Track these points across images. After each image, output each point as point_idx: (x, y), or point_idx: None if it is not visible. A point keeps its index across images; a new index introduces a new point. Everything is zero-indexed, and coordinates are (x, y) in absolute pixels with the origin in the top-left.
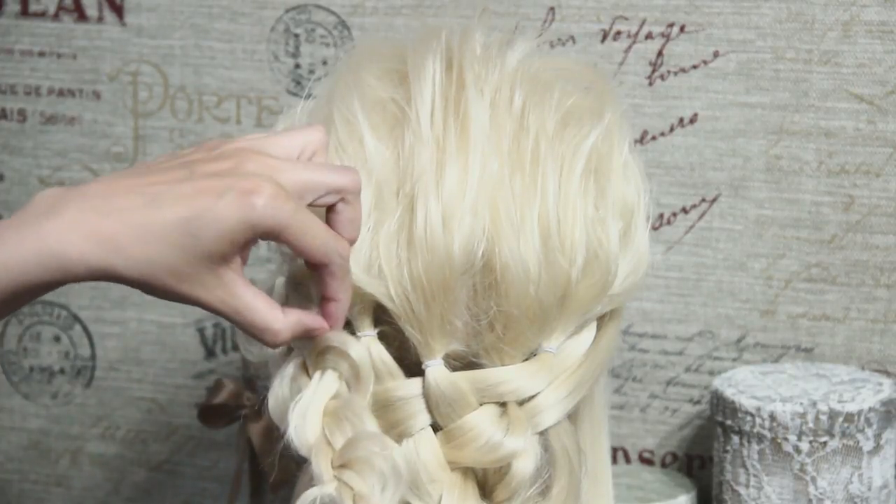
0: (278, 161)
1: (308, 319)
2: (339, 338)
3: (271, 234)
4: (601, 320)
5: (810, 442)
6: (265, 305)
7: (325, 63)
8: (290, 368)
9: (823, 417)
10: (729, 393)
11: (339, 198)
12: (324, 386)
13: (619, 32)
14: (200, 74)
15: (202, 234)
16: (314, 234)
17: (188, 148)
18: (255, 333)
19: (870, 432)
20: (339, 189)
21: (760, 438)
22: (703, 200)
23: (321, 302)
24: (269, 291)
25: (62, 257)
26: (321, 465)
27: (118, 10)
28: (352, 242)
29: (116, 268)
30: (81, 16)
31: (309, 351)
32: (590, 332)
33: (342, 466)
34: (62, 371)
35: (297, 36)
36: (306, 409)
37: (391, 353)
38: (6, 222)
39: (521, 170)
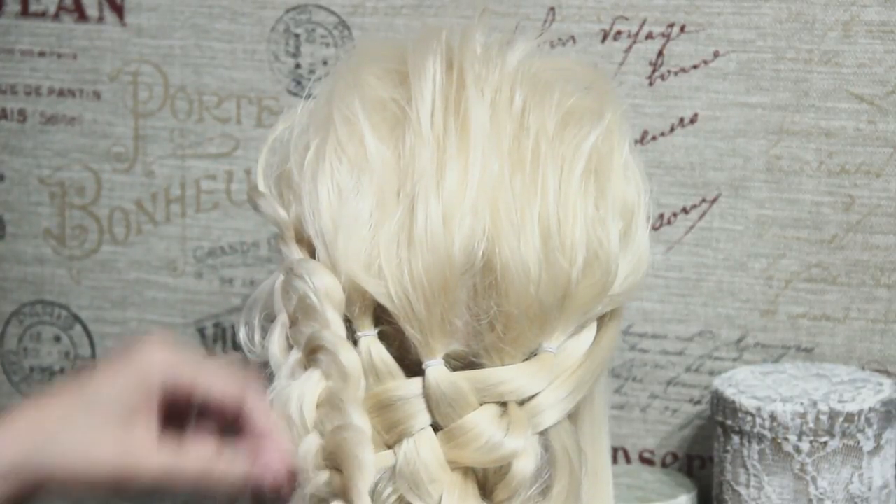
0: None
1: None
2: (331, 339)
3: (169, 380)
4: (601, 320)
5: (810, 442)
6: (213, 454)
7: (325, 63)
8: (289, 365)
9: (824, 417)
10: (729, 393)
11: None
12: (312, 383)
13: (619, 32)
14: (201, 74)
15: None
16: (213, 373)
17: None
18: (255, 485)
19: (870, 432)
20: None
21: (761, 438)
22: (704, 200)
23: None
24: (269, 290)
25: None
26: (310, 455)
27: (118, 10)
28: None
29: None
30: (82, 16)
31: (303, 348)
32: (590, 332)
33: (330, 454)
34: (62, 371)
35: (297, 36)
36: (301, 402)
37: (391, 353)
38: None
39: (521, 170)
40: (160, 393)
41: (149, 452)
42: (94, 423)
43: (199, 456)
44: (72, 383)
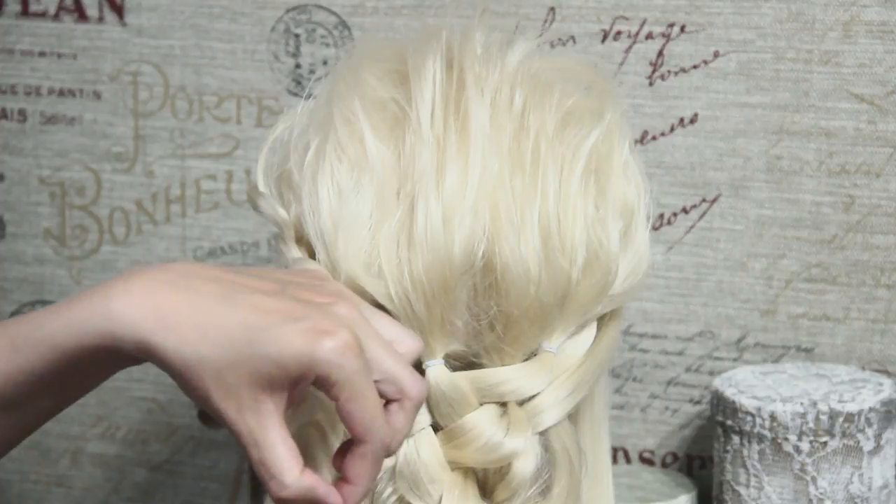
0: (369, 324)
1: (322, 491)
2: None
3: (325, 382)
4: (601, 320)
5: (810, 442)
6: (287, 454)
7: (325, 63)
8: None
9: (824, 417)
10: (729, 393)
11: (398, 396)
12: None
13: (619, 32)
14: (201, 74)
15: (260, 349)
16: (366, 406)
17: (297, 274)
18: (262, 475)
19: (870, 432)
20: (404, 390)
21: (761, 438)
22: (704, 200)
23: (340, 479)
24: None
25: (116, 321)
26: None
27: (118, 10)
28: (390, 452)
29: (163, 348)
30: (82, 16)
31: None
32: (590, 332)
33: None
34: None
35: (297, 36)
36: None
37: None
38: (93, 286)
39: (521, 170)
40: (307, 385)
41: (269, 434)
42: (242, 366)
43: (297, 474)
44: (255, 305)
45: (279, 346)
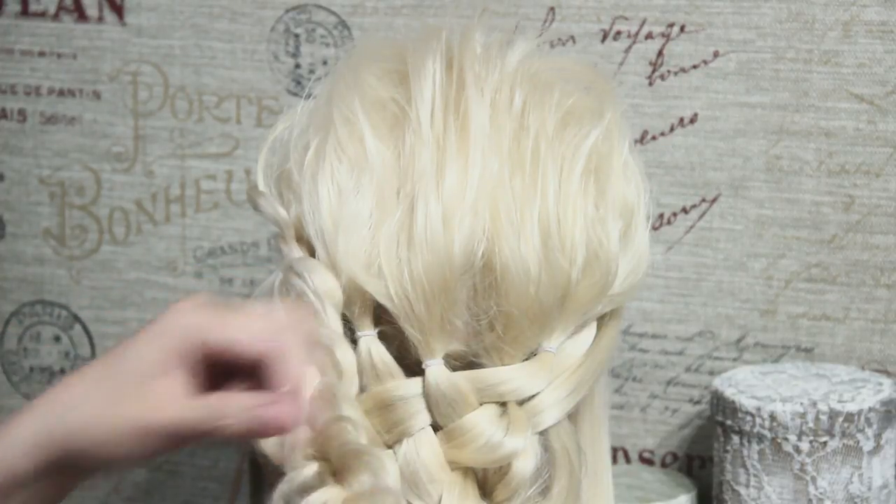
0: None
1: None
2: (327, 336)
3: (195, 341)
4: (601, 320)
5: (810, 442)
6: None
7: (325, 63)
8: None
9: (823, 417)
10: (729, 393)
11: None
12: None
13: (619, 32)
14: (200, 74)
15: (124, 360)
16: (240, 328)
17: None
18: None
19: (870, 432)
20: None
21: (760, 438)
22: (703, 200)
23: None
24: (269, 290)
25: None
26: (297, 447)
27: (118, 10)
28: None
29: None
30: (81, 16)
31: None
32: (590, 332)
33: (320, 446)
34: (62, 371)
35: (297, 36)
36: None
37: (391, 353)
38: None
39: (521, 170)
40: (196, 355)
41: (169, 405)
42: (117, 384)
43: (216, 407)
44: (102, 355)
45: (137, 350)
